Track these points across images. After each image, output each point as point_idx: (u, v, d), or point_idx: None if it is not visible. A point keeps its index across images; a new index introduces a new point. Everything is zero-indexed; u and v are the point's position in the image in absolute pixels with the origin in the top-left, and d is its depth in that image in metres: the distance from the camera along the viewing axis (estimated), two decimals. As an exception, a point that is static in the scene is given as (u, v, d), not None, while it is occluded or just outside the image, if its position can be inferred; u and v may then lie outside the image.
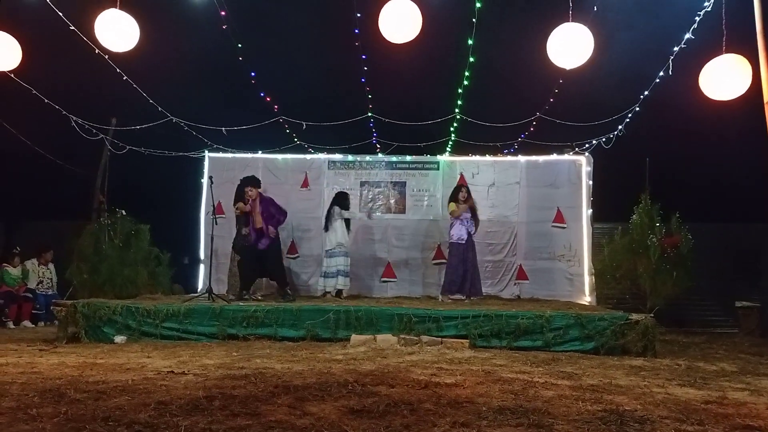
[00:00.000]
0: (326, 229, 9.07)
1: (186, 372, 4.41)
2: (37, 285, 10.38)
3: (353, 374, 4.30)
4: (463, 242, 8.64)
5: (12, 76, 6.82)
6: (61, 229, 11.28)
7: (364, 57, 7.56)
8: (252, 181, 8.46)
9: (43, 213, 11.88)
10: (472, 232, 8.74)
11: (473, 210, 8.81)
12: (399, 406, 3.30)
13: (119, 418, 2.95)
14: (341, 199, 9.15)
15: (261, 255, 8.27)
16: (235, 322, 6.56)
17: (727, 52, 5.49)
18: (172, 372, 4.41)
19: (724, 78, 5.48)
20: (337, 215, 8.94)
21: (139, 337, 6.53)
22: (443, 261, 9.51)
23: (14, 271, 10.17)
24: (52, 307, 7.31)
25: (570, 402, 3.54)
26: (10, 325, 9.42)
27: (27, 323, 9.71)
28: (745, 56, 5.39)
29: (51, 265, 10.71)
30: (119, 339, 6.49)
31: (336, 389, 3.73)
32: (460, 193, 8.78)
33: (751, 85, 5.38)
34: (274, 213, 8.41)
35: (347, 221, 9.12)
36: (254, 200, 8.31)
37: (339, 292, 8.87)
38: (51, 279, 10.66)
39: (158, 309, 6.65)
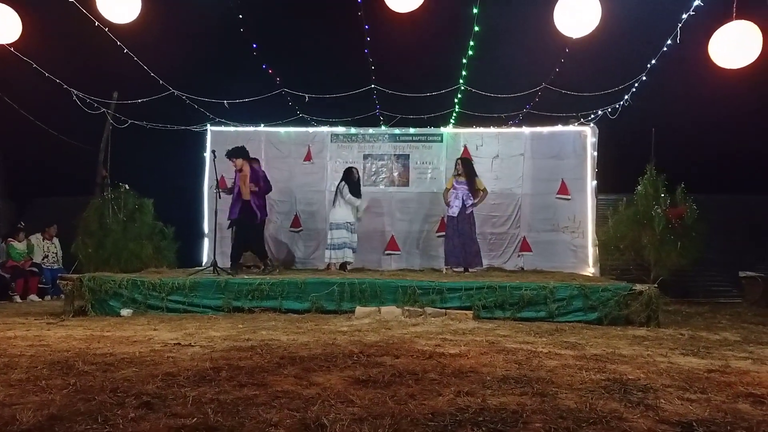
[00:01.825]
0: (334, 203, 8.99)
1: (192, 344, 4.45)
2: (43, 259, 10.46)
3: (358, 345, 4.33)
4: (455, 215, 8.63)
5: (12, 49, 6.76)
6: (65, 204, 11.34)
7: (367, 27, 7.45)
8: (237, 152, 8.25)
9: (47, 188, 11.90)
10: (467, 204, 8.69)
11: (469, 183, 8.77)
12: (404, 376, 3.33)
13: (127, 389, 2.98)
14: (350, 177, 9.05)
15: (249, 227, 8.20)
16: (241, 294, 6.60)
17: (737, 18, 5.36)
18: (179, 344, 4.45)
19: (734, 46, 5.34)
20: (346, 194, 8.85)
21: (145, 310, 6.58)
22: (446, 233, 9.52)
23: (20, 246, 10.23)
24: (58, 281, 7.36)
25: (574, 371, 3.57)
26: (17, 299, 9.50)
27: (34, 297, 9.80)
28: (755, 22, 5.27)
29: (56, 240, 10.78)
30: (125, 312, 6.54)
31: (341, 360, 3.76)
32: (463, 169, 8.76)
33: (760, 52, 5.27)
34: (263, 186, 8.36)
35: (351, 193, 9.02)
36: (240, 171, 8.15)
37: (344, 266, 8.89)
38: (56, 254, 10.74)
39: (164, 282, 6.68)
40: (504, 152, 10.16)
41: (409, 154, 10.33)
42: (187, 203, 10.58)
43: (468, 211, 8.73)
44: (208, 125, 10.46)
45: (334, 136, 10.42)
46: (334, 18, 8.54)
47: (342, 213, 8.85)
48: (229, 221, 8.37)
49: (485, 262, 9.28)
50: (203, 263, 9.71)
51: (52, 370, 3.47)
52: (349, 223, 8.88)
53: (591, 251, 9.78)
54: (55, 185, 11.69)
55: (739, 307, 8.82)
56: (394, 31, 7.30)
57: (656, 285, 6.47)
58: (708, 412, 2.72)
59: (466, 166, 8.84)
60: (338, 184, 8.99)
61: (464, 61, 8.13)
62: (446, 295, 6.41)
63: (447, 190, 8.93)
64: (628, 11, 6.87)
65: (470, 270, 8.59)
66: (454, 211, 8.65)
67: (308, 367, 3.55)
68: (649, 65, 7.72)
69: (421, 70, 9.35)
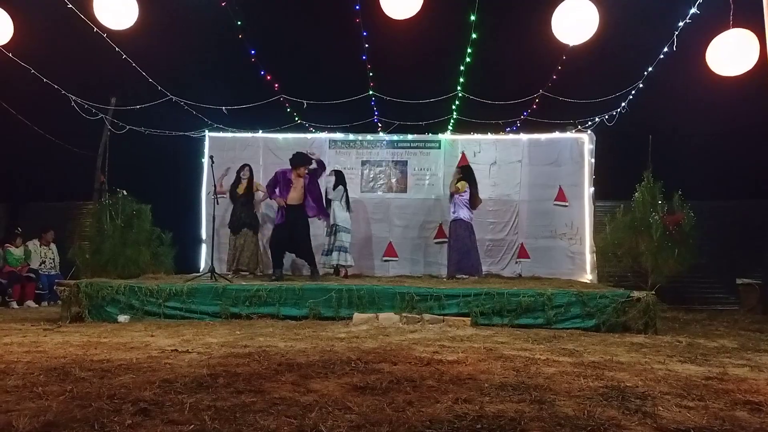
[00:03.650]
0: (332, 205, 8.98)
1: (190, 350, 4.44)
2: (40, 265, 10.42)
3: (356, 352, 4.32)
4: (469, 220, 8.62)
5: (10, 55, 6.77)
6: (63, 209, 11.33)
7: (365, 34, 7.48)
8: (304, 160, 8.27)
9: (45, 194, 11.88)
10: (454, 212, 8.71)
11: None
12: (402, 382, 3.32)
13: (124, 395, 2.97)
14: (343, 178, 9.09)
15: (291, 232, 8.04)
16: (238, 301, 6.60)
17: (734, 26, 5.39)
18: (176, 350, 4.43)
19: (731, 53, 5.35)
20: (343, 202, 8.89)
21: (142, 317, 6.56)
22: (444, 240, 9.53)
23: (17, 252, 10.20)
24: (55, 287, 7.33)
25: (571, 378, 3.56)
26: (14, 305, 9.47)
27: (30, 303, 9.76)
28: (752, 30, 5.29)
29: (53, 246, 10.74)
30: (123, 318, 6.52)
31: (339, 367, 3.75)
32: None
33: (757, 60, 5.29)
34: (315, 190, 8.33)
35: (347, 202, 9.04)
36: (301, 177, 8.13)
37: (337, 270, 8.89)
38: (53, 259, 10.70)
39: (161, 288, 6.67)
40: (502, 159, 10.19)
41: (407, 161, 10.35)
42: (185, 209, 10.57)
43: (468, 220, 8.72)
44: (207, 131, 10.47)
45: (332, 143, 10.44)
46: (332, 25, 8.56)
47: (343, 213, 8.86)
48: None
49: (483, 269, 9.28)
50: (201, 269, 9.69)
51: (49, 376, 3.45)
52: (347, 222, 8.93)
53: (588, 258, 9.79)
54: (53, 190, 11.68)
55: (736, 314, 8.84)
56: (392, 38, 7.32)
57: (654, 292, 6.48)
58: (706, 419, 2.72)
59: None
60: (335, 187, 8.94)
61: (462, 68, 8.15)
62: (444, 301, 6.41)
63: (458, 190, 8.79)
64: (625, 19, 6.91)
65: (474, 276, 8.56)
66: (467, 215, 8.62)
67: (306, 374, 3.54)
68: (645, 73, 7.76)
69: (419, 77, 9.37)
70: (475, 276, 8.53)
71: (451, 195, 8.80)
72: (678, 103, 9.09)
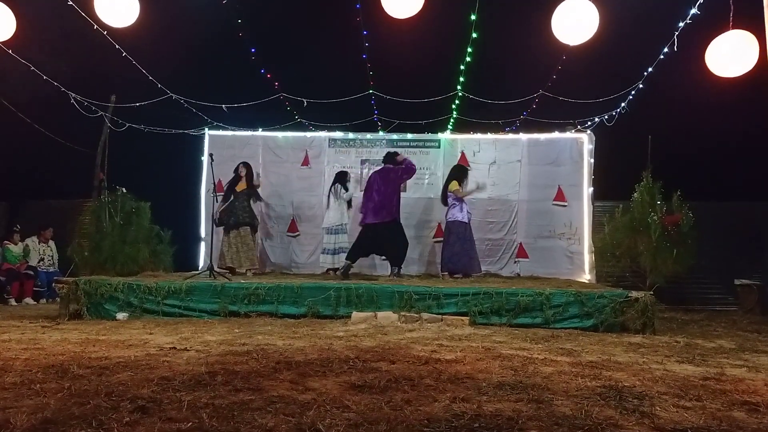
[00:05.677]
0: (327, 206, 9.08)
1: (188, 348, 4.44)
2: (38, 262, 10.43)
3: (354, 350, 4.33)
4: (466, 221, 8.67)
5: (10, 52, 6.76)
6: (62, 207, 11.33)
7: (365, 33, 7.48)
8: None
9: (44, 191, 11.88)
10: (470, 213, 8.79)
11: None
12: (400, 381, 3.32)
13: (122, 393, 2.97)
14: (342, 178, 9.13)
15: (379, 231, 8.17)
16: (237, 299, 6.58)
17: (734, 27, 5.39)
18: (175, 348, 4.43)
19: (730, 55, 5.36)
20: (340, 194, 8.94)
21: (140, 314, 6.55)
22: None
23: (15, 249, 10.20)
24: (53, 285, 7.34)
25: (569, 378, 3.57)
26: (13, 302, 9.48)
27: (29, 300, 9.77)
28: (752, 31, 5.29)
29: (51, 243, 10.75)
30: (121, 316, 6.52)
31: (337, 365, 3.75)
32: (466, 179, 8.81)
33: (756, 62, 5.30)
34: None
35: (348, 201, 9.13)
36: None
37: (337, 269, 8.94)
38: (52, 256, 10.71)
39: (160, 286, 6.66)
40: (501, 158, 10.19)
41: (406, 160, 10.32)
42: (185, 207, 10.58)
43: (470, 219, 8.80)
44: (206, 129, 10.47)
45: (332, 141, 10.44)
46: (333, 24, 8.57)
47: (336, 215, 8.90)
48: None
49: (482, 268, 9.29)
50: (200, 267, 9.69)
51: (47, 373, 3.46)
52: (342, 225, 8.95)
53: (587, 258, 9.80)
54: (52, 188, 11.67)
55: (734, 315, 8.84)
56: (393, 37, 7.32)
57: (652, 292, 6.47)
58: (703, 419, 2.72)
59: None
60: (331, 188, 9.04)
61: (462, 67, 8.15)
62: (443, 300, 6.40)
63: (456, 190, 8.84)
64: (625, 19, 6.91)
65: (471, 275, 8.59)
66: (464, 216, 8.67)
67: (304, 372, 3.54)
68: (645, 73, 7.76)
69: (419, 76, 9.38)
70: (471, 274, 8.55)
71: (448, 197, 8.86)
72: (678, 104, 9.10)
